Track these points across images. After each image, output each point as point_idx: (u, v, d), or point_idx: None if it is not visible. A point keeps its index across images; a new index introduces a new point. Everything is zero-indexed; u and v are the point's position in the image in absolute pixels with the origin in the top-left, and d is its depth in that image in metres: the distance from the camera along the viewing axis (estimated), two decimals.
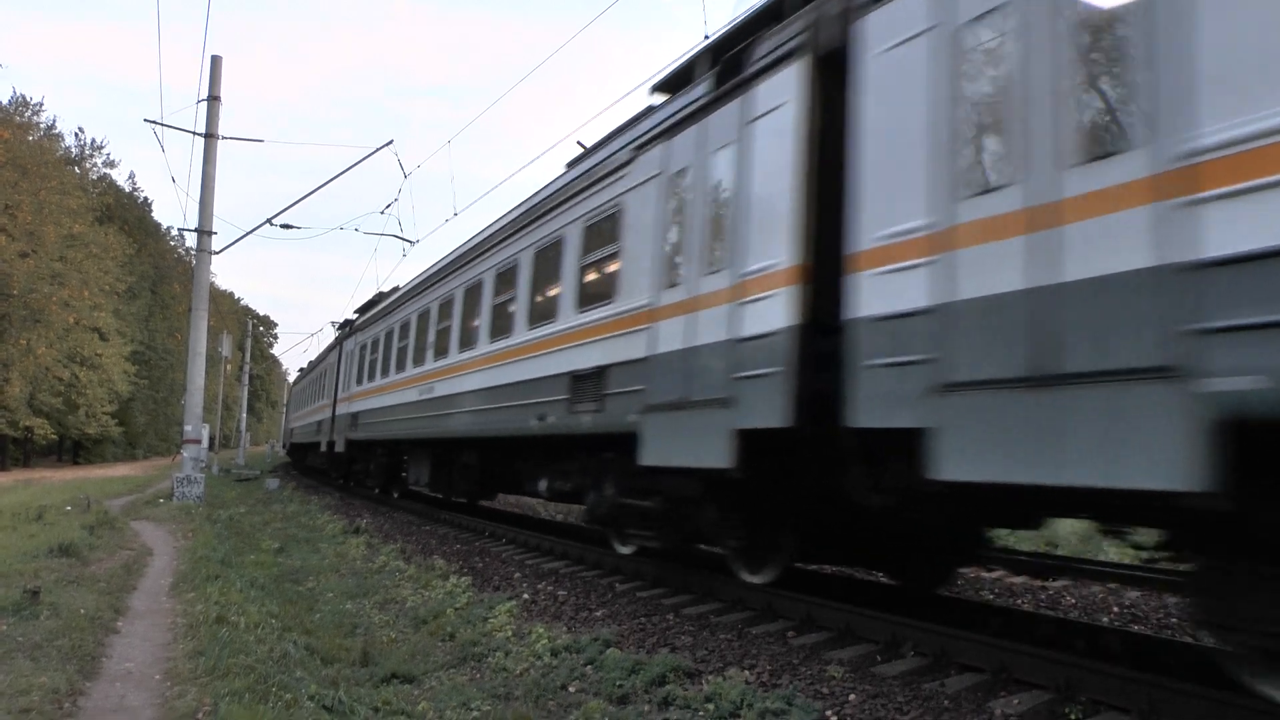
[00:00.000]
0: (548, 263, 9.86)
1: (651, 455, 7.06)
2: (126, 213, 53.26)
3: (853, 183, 5.33)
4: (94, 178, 49.77)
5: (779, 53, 6.17)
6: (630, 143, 8.24)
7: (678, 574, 7.91)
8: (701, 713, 4.51)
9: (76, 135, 51.90)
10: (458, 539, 12.56)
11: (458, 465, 13.63)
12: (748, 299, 6.14)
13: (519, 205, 11.50)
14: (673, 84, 8.07)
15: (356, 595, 8.42)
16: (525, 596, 7.86)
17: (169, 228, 63.72)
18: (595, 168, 8.94)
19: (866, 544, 6.99)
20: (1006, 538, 10.73)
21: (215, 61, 18.73)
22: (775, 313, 5.81)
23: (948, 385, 4.48)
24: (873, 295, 5.05)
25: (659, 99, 8.25)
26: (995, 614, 6.38)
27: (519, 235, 10.92)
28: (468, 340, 12.38)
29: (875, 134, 5.22)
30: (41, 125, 43.51)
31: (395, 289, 19.52)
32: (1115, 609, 7.36)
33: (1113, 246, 3.79)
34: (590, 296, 8.68)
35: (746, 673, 5.11)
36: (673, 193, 7.31)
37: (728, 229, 6.48)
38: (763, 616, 6.56)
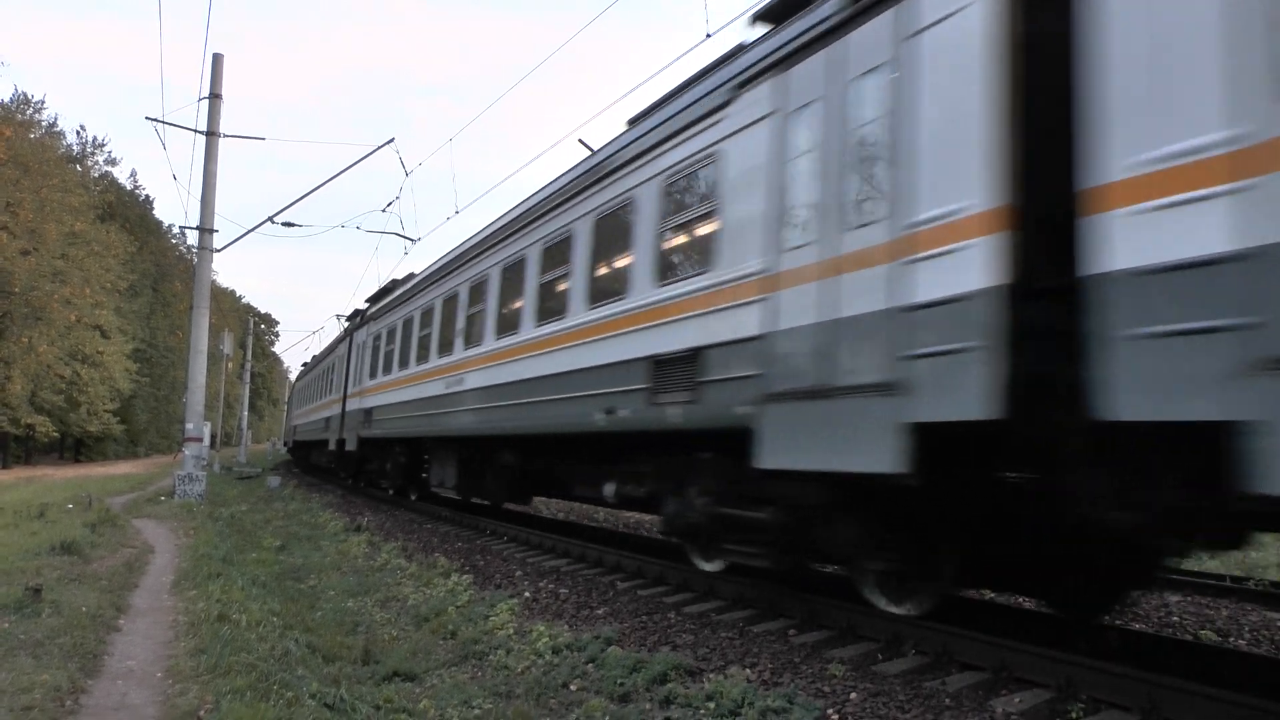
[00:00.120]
0: (612, 231, 8.52)
1: (775, 455, 5.76)
2: (128, 210, 53.28)
3: (1092, 94, 4.11)
4: (95, 175, 49.73)
5: None
6: (727, 82, 6.94)
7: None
8: (703, 711, 4.51)
9: (78, 133, 52.21)
10: (459, 537, 12.56)
11: (491, 466, 12.36)
12: (919, 256, 4.87)
13: (568, 172, 10.16)
14: (780, 11, 6.72)
15: (358, 593, 8.43)
16: (526, 594, 7.86)
17: (170, 225, 64.04)
18: (675, 116, 7.62)
19: (1033, 565, 5.79)
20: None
21: (217, 59, 18.75)
22: (965, 271, 4.58)
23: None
24: (1139, 239, 3.80)
25: (759, 31, 6.98)
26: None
27: (572, 204, 9.51)
28: (507, 325, 10.95)
29: (1133, 22, 3.98)
30: (43, 123, 43.51)
31: (410, 275, 18.17)
32: None
33: None
34: (675, 266, 7.36)
35: (748, 671, 5.11)
36: (793, 134, 6.05)
37: (882, 171, 5.23)
38: (764, 615, 6.56)
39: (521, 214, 11.20)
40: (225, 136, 18.81)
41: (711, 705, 4.54)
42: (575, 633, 6.20)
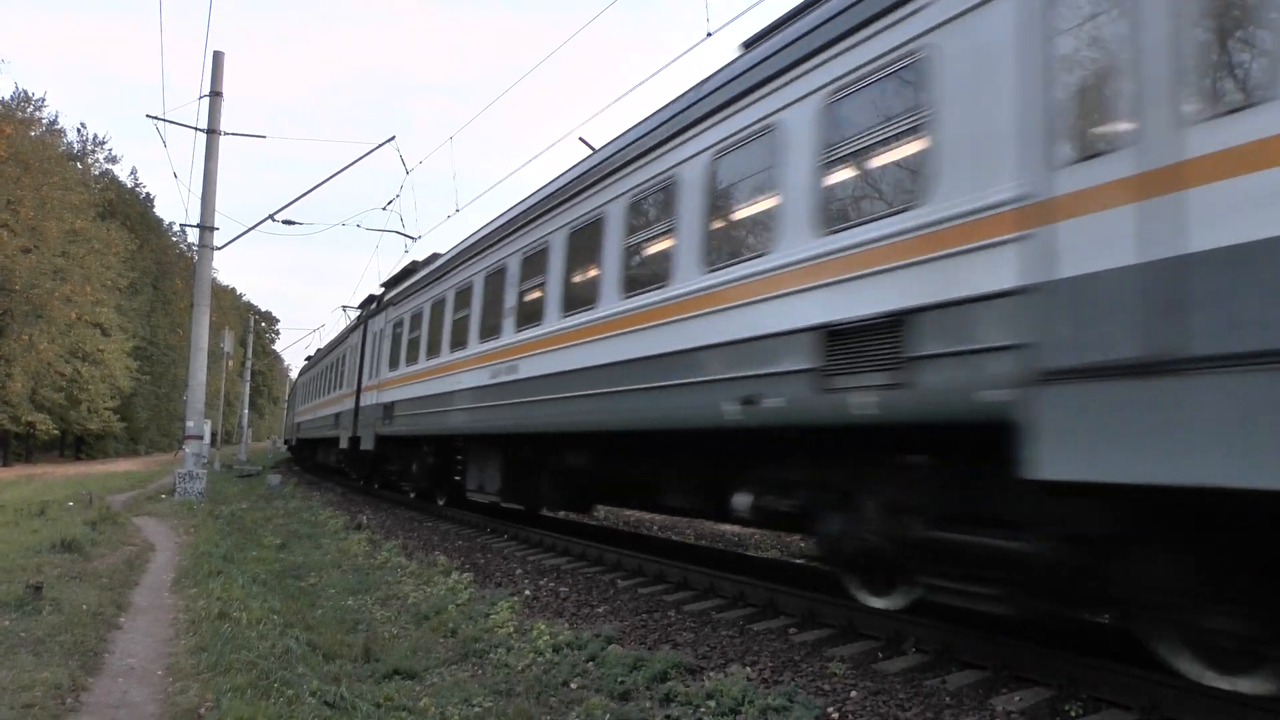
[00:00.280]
0: (743, 171, 6.73)
1: (1066, 461, 3.99)
2: (128, 208, 53.31)
3: None
4: (96, 173, 49.78)
5: None
6: None
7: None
8: (703, 709, 4.51)
9: (79, 131, 52.17)
10: (459, 535, 12.57)
11: (547, 468, 10.68)
12: None
13: (664, 108, 8.26)
14: None
15: (358, 591, 8.43)
16: (527, 593, 7.86)
17: (171, 223, 64.02)
18: (840, 16, 5.85)
19: None
20: None
21: (217, 57, 18.75)
22: None
23: None
24: None
25: None
26: None
27: (675, 143, 7.64)
28: (578, 300, 9.08)
29: None
30: (44, 121, 43.55)
31: (435, 255, 16.25)
32: None
33: None
34: (849, 209, 5.68)
35: (748, 669, 5.12)
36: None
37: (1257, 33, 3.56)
38: (764, 613, 6.57)
39: (593, 167, 9.18)
40: (226, 134, 18.84)
41: (712, 704, 4.54)
42: (575, 631, 6.21)
